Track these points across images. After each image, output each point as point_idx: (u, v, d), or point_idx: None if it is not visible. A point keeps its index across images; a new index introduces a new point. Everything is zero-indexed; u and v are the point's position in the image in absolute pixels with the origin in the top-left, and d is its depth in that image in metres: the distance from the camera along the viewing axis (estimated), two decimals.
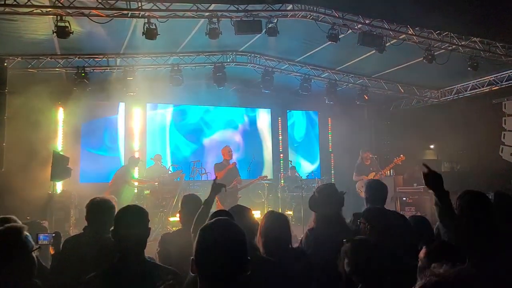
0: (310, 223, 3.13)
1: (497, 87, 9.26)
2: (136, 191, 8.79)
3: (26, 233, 2.01)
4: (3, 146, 6.60)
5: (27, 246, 1.98)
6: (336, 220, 2.94)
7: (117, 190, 7.71)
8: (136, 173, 9.07)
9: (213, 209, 7.87)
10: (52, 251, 2.94)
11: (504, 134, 9.10)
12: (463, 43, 7.61)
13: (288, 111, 11.95)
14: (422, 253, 2.03)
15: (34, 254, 2.03)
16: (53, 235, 2.96)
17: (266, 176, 7.68)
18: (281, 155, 11.75)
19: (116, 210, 2.95)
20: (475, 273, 1.16)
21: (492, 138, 9.47)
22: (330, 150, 12.18)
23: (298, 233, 7.12)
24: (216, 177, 7.12)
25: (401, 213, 7.68)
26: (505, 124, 9.14)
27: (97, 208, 2.91)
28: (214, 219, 1.65)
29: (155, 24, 6.17)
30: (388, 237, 2.51)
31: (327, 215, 2.95)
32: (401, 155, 8.56)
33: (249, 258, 1.51)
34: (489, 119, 9.70)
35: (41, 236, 2.87)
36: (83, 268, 2.19)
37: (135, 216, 2.18)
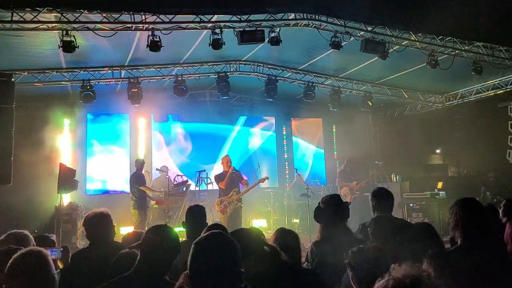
0: (317, 235, 3.11)
1: (502, 91, 9.20)
2: None
3: (49, 258, 1.98)
4: (11, 161, 6.65)
5: (51, 271, 1.94)
6: (342, 231, 2.92)
7: (139, 197, 7.72)
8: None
9: (216, 218, 7.88)
10: (61, 265, 2.95)
11: (511, 138, 9.03)
12: (466, 47, 7.59)
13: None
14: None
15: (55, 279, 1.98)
16: (61, 249, 2.96)
17: (267, 178, 7.69)
18: (286, 162, 11.75)
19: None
20: (432, 275, 1.16)
21: (498, 142, 9.40)
22: (335, 153, 12.14)
23: (305, 242, 7.09)
24: (220, 188, 7.15)
25: (408, 219, 7.68)
26: (511, 128, 9.08)
27: (93, 223, 2.93)
28: (207, 233, 1.66)
29: (159, 36, 6.23)
30: (392, 245, 2.49)
31: (333, 226, 2.93)
32: (375, 170, 9.58)
33: (243, 270, 1.52)
34: (495, 123, 9.64)
35: (49, 251, 2.88)
36: (90, 282, 2.19)
37: (162, 238, 2.12)
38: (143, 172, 8.27)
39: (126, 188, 8.54)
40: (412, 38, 7.27)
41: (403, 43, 7.37)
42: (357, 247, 2.17)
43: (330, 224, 2.95)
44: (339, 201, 3.08)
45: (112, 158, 9.96)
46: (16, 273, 1.86)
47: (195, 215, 3.32)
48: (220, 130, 11.12)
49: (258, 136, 11.63)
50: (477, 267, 2.20)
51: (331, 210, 2.98)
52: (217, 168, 10.10)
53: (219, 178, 7.22)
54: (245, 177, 7.17)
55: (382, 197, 3.40)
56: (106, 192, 9.67)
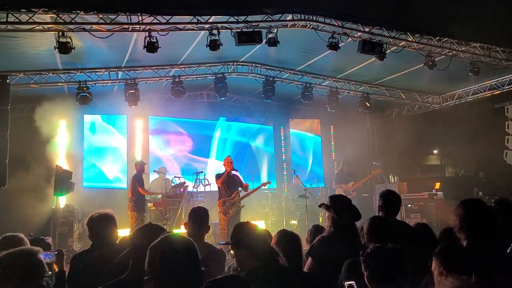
0: (327, 229, 3.10)
1: (499, 92, 9.23)
2: None
3: (40, 257, 1.93)
4: (6, 163, 6.60)
5: (41, 272, 1.90)
6: (351, 230, 2.93)
7: (138, 199, 7.67)
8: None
9: (215, 220, 7.87)
10: (56, 269, 2.91)
11: (508, 138, 9.04)
12: (463, 48, 7.60)
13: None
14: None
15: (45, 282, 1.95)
16: (56, 253, 2.92)
17: (269, 182, 7.70)
18: (284, 164, 11.73)
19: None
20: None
21: (495, 142, 9.42)
22: (333, 154, 12.13)
23: (304, 244, 7.07)
24: (218, 186, 7.18)
25: (406, 220, 7.68)
26: (508, 128, 9.08)
27: (97, 223, 2.90)
28: (161, 237, 1.65)
29: (156, 37, 6.20)
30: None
31: (346, 224, 2.94)
32: (377, 169, 9.68)
33: (203, 269, 1.54)
34: (492, 123, 9.67)
35: (43, 254, 2.83)
36: (90, 285, 2.16)
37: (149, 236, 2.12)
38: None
39: (124, 189, 8.48)
40: (410, 39, 7.28)
41: (401, 44, 7.37)
42: (375, 247, 2.15)
43: (341, 221, 2.96)
44: (349, 201, 3.10)
45: (109, 160, 9.90)
46: (6, 273, 1.83)
47: (198, 216, 3.33)
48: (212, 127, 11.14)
49: (254, 131, 11.60)
50: (482, 270, 2.18)
51: (345, 208, 2.99)
52: (212, 164, 10.13)
53: (217, 176, 7.24)
54: (246, 186, 7.25)
55: (390, 199, 3.43)
56: (103, 193, 9.59)
